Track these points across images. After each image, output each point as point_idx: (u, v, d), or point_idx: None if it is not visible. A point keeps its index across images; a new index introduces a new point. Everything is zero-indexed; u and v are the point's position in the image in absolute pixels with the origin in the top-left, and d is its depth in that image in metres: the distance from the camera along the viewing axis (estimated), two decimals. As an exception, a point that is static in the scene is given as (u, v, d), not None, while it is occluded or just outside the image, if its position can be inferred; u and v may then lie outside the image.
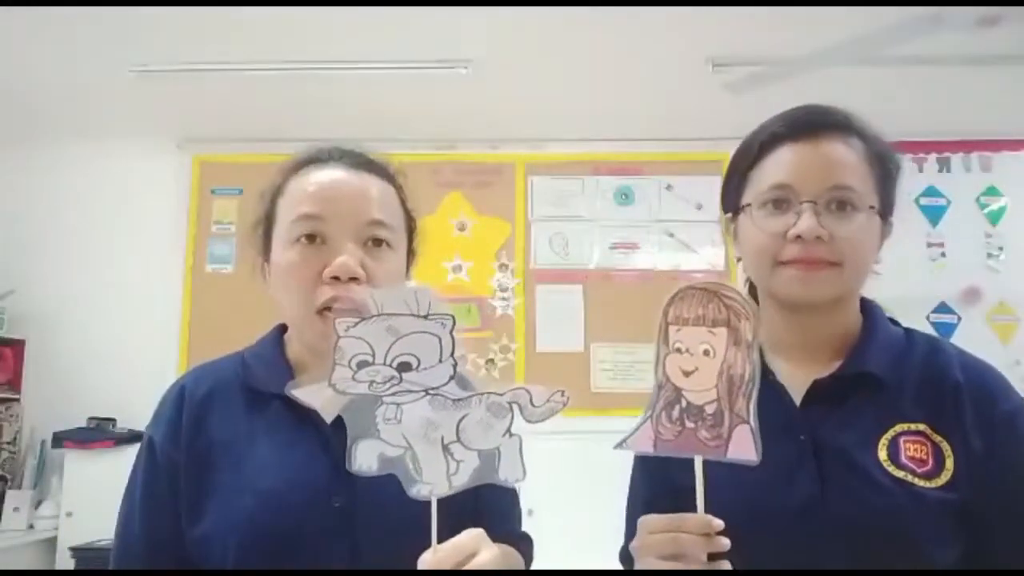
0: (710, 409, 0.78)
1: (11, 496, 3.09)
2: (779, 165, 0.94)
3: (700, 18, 2.47)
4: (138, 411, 3.10)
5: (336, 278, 0.90)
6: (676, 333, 0.79)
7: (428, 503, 0.76)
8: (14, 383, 3.28)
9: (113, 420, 3.15)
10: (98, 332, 3.33)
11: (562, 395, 0.77)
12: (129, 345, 3.29)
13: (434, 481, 0.76)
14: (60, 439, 3.07)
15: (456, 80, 2.87)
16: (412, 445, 0.76)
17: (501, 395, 0.77)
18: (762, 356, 0.95)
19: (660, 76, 2.88)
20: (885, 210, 0.96)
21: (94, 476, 2.97)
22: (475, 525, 0.79)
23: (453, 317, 0.75)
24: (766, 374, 0.94)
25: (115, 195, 3.45)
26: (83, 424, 3.13)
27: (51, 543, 2.99)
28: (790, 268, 0.92)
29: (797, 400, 0.93)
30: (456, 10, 2.42)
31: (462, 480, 0.76)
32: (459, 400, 0.76)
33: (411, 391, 0.75)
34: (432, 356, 0.75)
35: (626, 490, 1.07)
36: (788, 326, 0.97)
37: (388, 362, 0.75)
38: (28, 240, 3.42)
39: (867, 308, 1.00)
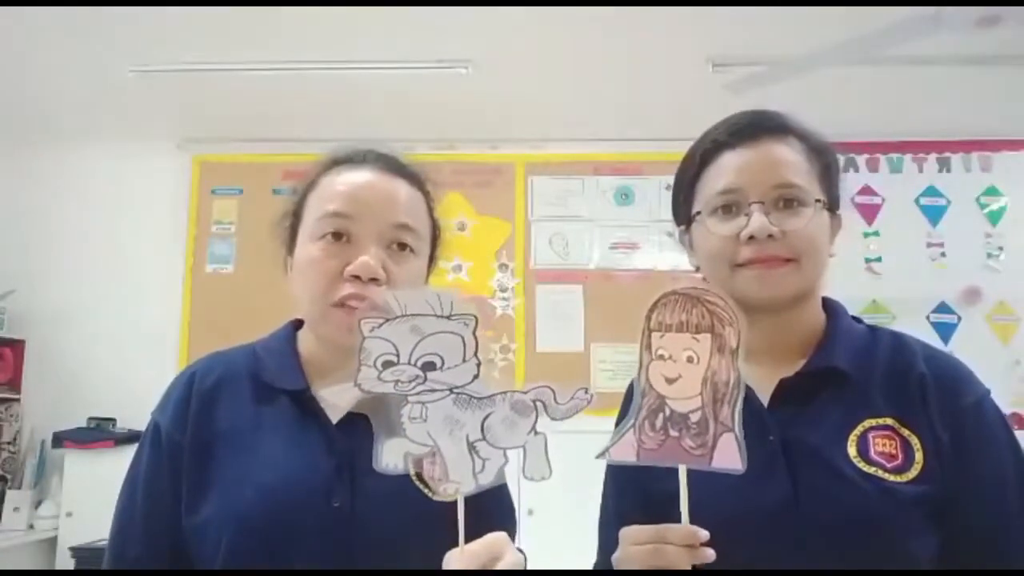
0: (694, 417, 0.77)
1: (11, 496, 3.09)
2: (723, 171, 0.96)
3: (700, 18, 2.47)
4: (138, 411, 3.09)
5: (356, 277, 0.91)
6: (659, 340, 0.78)
7: (425, 509, 0.76)
8: (14, 383, 3.28)
9: (113, 420, 3.15)
10: (98, 332, 3.33)
11: (585, 392, 0.78)
12: (129, 345, 3.29)
13: (461, 479, 0.76)
14: (60, 439, 3.08)
15: (456, 80, 2.87)
16: (438, 443, 0.77)
17: (525, 393, 0.78)
18: None
19: (660, 76, 2.88)
20: (831, 204, 0.98)
21: (94, 476, 2.97)
22: (475, 536, 0.78)
23: (476, 317, 0.77)
24: None
25: (115, 195, 3.46)
26: (83, 424, 3.14)
27: (51, 543, 2.99)
28: (748, 269, 0.92)
29: (765, 401, 0.93)
30: (456, 10, 2.42)
31: (488, 478, 0.77)
32: (483, 399, 0.77)
33: (436, 390, 0.77)
34: (456, 355, 0.77)
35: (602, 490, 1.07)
36: (752, 329, 0.95)
37: (413, 362, 0.76)
38: (28, 240, 3.42)
39: (830, 307, 1.01)
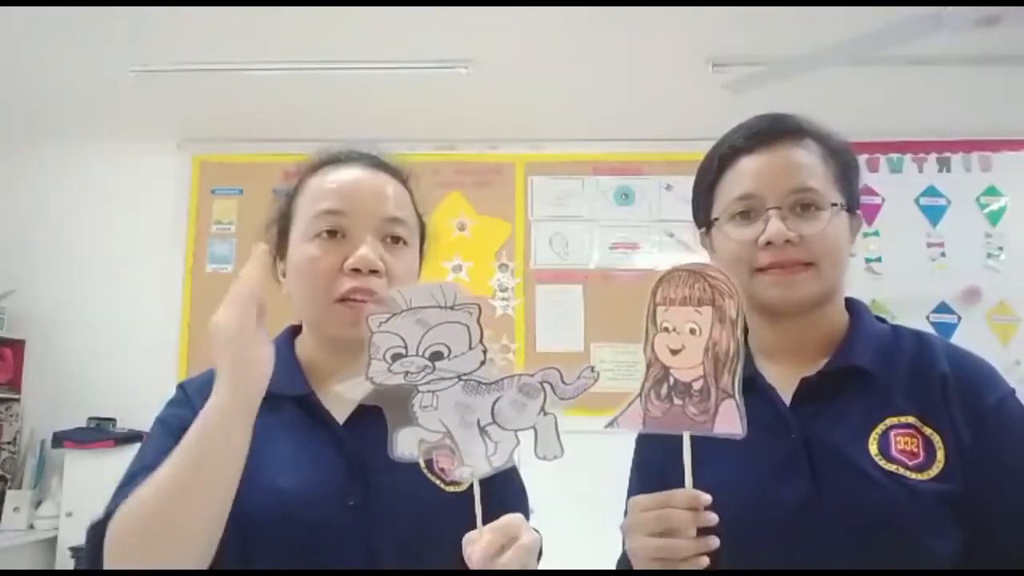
0: (697, 385, 0.80)
1: (11, 496, 3.09)
2: (741, 176, 0.97)
3: (700, 18, 2.47)
4: (138, 411, 3.10)
5: (356, 270, 0.92)
6: (664, 313, 0.81)
7: (438, 499, 0.79)
8: (14, 383, 3.28)
9: (113, 420, 3.15)
10: (98, 332, 3.33)
11: (591, 371, 0.80)
12: (129, 345, 3.29)
13: (474, 463, 0.79)
14: (60, 439, 3.08)
15: (456, 80, 2.87)
16: (450, 430, 0.79)
17: (532, 376, 0.80)
18: (751, 359, 0.97)
19: (660, 76, 2.88)
20: (850, 204, 0.98)
21: (94, 476, 2.97)
22: (487, 519, 0.79)
23: (479, 305, 0.80)
24: (755, 376, 0.95)
25: (115, 195, 3.46)
26: (83, 424, 3.14)
27: (51, 543, 2.99)
28: (767, 274, 0.94)
29: (787, 400, 0.94)
30: (456, 10, 2.42)
31: (502, 460, 0.80)
32: (491, 384, 0.80)
33: (445, 378, 0.79)
34: (462, 344, 0.79)
35: (626, 489, 1.07)
36: (774, 331, 0.98)
37: (421, 353, 0.79)
38: (28, 240, 3.42)
39: (852, 307, 1.02)
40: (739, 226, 0.96)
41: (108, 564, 0.77)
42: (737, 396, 0.78)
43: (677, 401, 0.80)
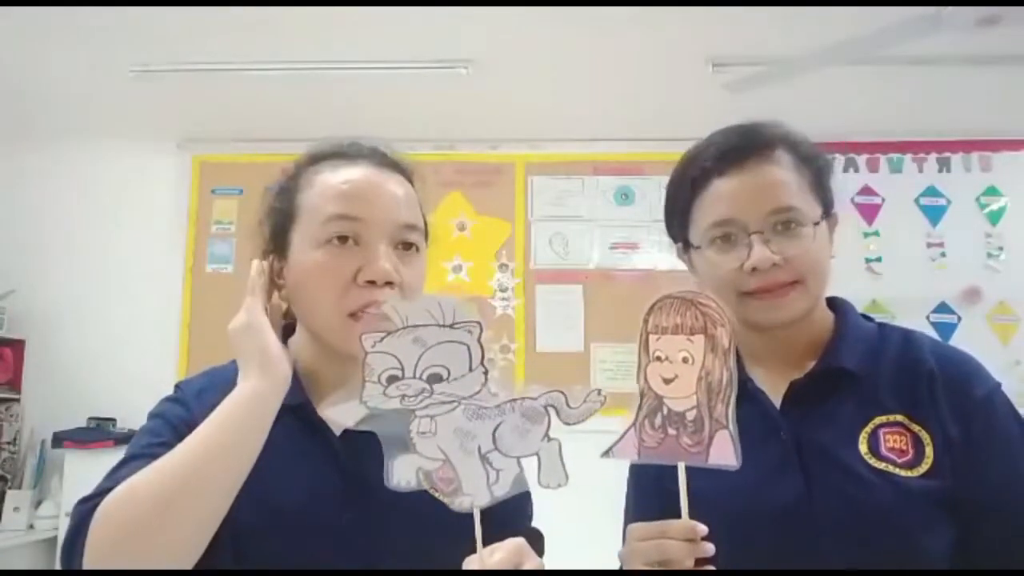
0: (691, 416, 0.79)
1: (11, 496, 3.09)
2: (717, 201, 0.95)
3: (700, 18, 2.47)
4: (138, 411, 3.09)
5: (372, 282, 0.87)
6: (656, 342, 0.80)
7: (440, 515, 0.75)
8: (14, 383, 3.28)
9: (113, 420, 3.15)
10: (98, 332, 3.33)
11: (598, 394, 0.76)
12: (129, 345, 3.29)
13: (474, 492, 0.75)
14: (60, 439, 3.07)
15: (456, 80, 2.87)
16: (449, 457, 0.75)
17: (535, 399, 0.76)
18: (741, 364, 0.97)
19: (660, 76, 2.88)
20: (827, 208, 0.98)
21: (94, 476, 2.91)
22: (490, 519, 0.77)
23: (480, 324, 0.75)
24: (745, 381, 0.95)
25: (115, 196, 3.45)
26: (83, 424, 3.13)
27: (51, 543, 2.99)
28: (756, 299, 0.93)
29: (777, 403, 0.95)
30: (456, 10, 2.42)
31: (504, 489, 0.75)
32: (493, 408, 0.75)
33: (444, 402, 0.75)
34: (462, 365, 0.75)
35: (625, 489, 1.07)
36: (762, 340, 0.98)
37: (418, 375, 0.74)
38: (28, 240, 3.42)
39: (838, 307, 1.02)
40: (720, 252, 0.95)
41: (91, 543, 0.75)
42: (731, 426, 0.77)
43: (671, 431, 0.79)
